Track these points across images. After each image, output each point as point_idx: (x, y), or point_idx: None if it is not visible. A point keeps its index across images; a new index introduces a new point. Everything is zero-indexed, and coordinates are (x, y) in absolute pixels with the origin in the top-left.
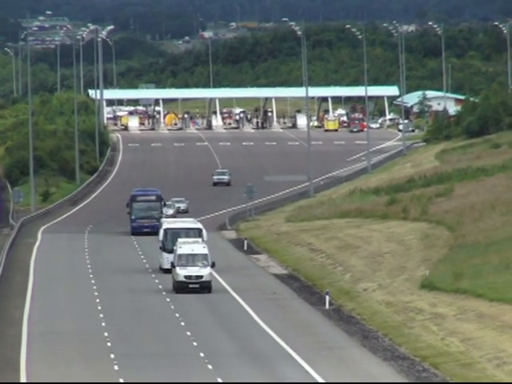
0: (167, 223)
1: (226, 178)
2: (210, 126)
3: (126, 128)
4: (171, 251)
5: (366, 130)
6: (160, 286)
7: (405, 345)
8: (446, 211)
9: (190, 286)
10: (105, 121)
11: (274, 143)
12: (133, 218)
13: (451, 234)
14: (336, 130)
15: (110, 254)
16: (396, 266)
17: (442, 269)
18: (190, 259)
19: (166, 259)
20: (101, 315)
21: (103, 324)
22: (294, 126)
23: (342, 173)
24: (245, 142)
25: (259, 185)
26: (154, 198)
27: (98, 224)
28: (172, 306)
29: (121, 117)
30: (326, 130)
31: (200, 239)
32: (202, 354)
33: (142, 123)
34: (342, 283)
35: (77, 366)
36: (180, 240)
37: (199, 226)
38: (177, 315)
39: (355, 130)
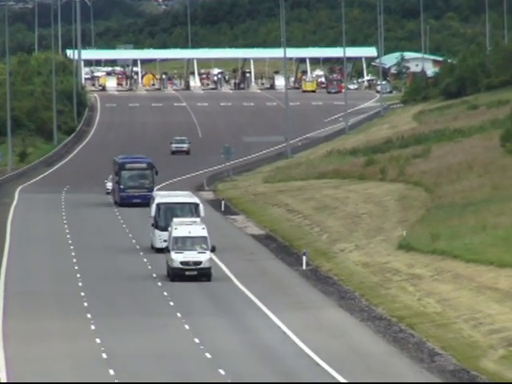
0: (160, 197)
1: (185, 146)
2: (187, 87)
3: (103, 88)
4: (165, 229)
5: (343, 91)
6: (137, 246)
7: (381, 305)
8: (424, 172)
9: (187, 273)
10: (83, 81)
11: (252, 104)
12: (122, 187)
13: (428, 195)
14: (314, 91)
15: (87, 213)
16: (373, 226)
17: (418, 230)
18: (188, 243)
19: (159, 237)
20: (78, 275)
21: (80, 284)
22: (272, 86)
23: (320, 134)
24: (223, 103)
25: (237, 145)
26: (144, 165)
27: (76, 184)
28: (149, 266)
29: (99, 77)
30: (304, 91)
31: (198, 219)
32: (178, 314)
33: (119, 84)
34: (319, 244)
35: (53, 325)
36: (175, 220)
37: (196, 200)
38: (154, 275)
39: (333, 91)
